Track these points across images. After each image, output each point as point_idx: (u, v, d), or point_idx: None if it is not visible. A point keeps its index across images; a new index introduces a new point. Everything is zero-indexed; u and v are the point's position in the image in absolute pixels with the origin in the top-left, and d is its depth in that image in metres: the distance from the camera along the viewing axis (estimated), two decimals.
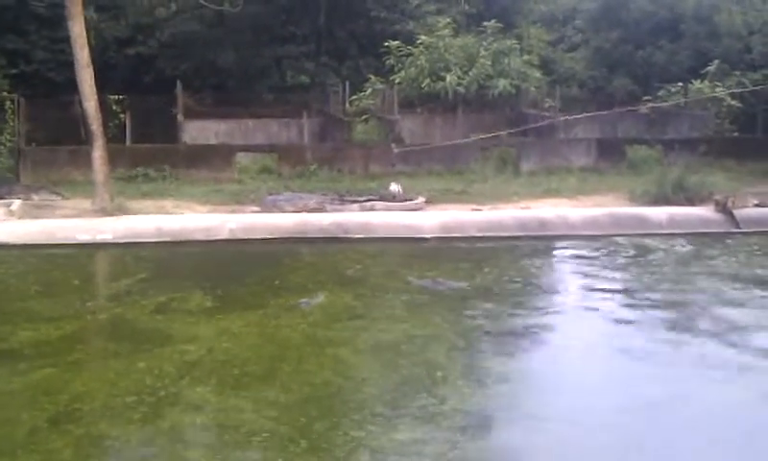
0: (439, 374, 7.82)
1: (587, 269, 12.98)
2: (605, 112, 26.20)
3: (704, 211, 16.74)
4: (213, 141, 25.81)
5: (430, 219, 16.18)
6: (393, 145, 22.66)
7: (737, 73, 26.94)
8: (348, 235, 15.18)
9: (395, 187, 18.34)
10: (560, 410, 7.16)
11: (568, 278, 12.68)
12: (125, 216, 16.17)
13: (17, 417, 6.78)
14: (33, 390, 7.41)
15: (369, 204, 17.45)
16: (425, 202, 17.84)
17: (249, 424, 6.60)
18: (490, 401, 7.25)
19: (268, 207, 17.23)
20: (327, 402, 7.15)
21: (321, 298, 10.85)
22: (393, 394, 7.34)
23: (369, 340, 9.04)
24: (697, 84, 26.81)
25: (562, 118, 25.06)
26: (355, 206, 17.28)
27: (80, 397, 7.25)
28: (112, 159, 18.30)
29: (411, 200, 17.79)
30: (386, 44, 27.67)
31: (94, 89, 17.34)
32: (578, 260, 13.79)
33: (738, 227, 15.93)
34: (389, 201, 17.74)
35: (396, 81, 26.23)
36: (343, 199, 17.80)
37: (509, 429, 6.75)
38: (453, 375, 7.84)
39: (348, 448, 6.19)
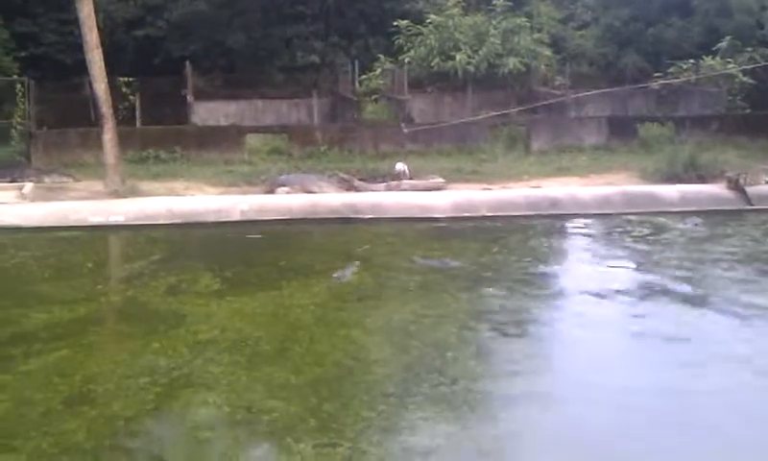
0: (449, 354, 7.83)
1: (598, 247, 12.98)
2: (616, 89, 26.14)
3: (716, 189, 16.68)
4: (223, 122, 25.85)
5: (441, 199, 16.17)
6: (402, 124, 22.62)
7: (749, 49, 26.75)
8: (360, 216, 15.19)
9: (400, 167, 18.32)
10: (572, 390, 7.16)
11: (580, 256, 12.64)
12: (136, 198, 16.22)
13: (32, 398, 6.84)
14: (47, 372, 7.46)
15: (394, 183, 17.52)
16: (444, 182, 17.87)
17: (260, 403, 6.64)
18: (501, 381, 7.26)
19: (304, 186, 17.30)
20: (338, 383, 7.18)
21: (352, 269, 10.96)
22: (403, 374, 7.36)
23: (378, 320, 9.07)
24: (708, 60, 26.65)
25: (572, 96, 24.98)
26: (382, 185, 17.33)
27: (93, 378, 7.31)
28: (123, 141, 18.34)
29: (430, 179, 17.85)
30: (395, 24, 27.58)
31: (104, 71, 17.36)
32: (589, 239, 13.78)
33: (751, 204, 15.88)
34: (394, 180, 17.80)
35: (406, 60, 26.17)
36: (364, 179, 17.87)
37: (520, 409, 6.75)
38: (464, 355, 7.85)
39: (358, 428, 6.21)
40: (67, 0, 22.04)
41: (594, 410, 6.72)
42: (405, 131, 22.01)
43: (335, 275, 10.79)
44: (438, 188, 17.33)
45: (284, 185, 17.23)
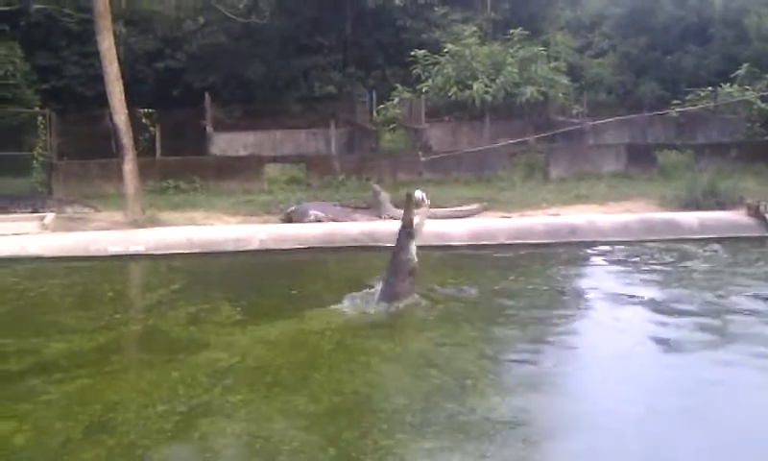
0: (468, 382, 7.81)
1: (619, 275, 12.90)
2: (634, 116, 26.12)
3: (735, 216, 16.58)
4: (242, 153, 26.01)
5: (459, 227, 16.16)
6: (420, 153, 22.69)
7: (767, 76, 26.67)
8: (378, 244, 15.19)
9: (419, 194, 18.31)
10: (590, 419, 7.11)
11: (600, 284, 12.54)
12: (156, 228, 16.32)
13: (52, 427, 6.87)
14: (67, 401, 7.50)
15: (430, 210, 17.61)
16: (484, 208, 17.94)
17: (279, 433, 6.64)
18: (519, 411, 7.21)
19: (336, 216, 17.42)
20: (357, 411, 7.17)
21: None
22: (421, 403, 7.33)
23: (397, 348, 9.06)
24: (726, 87, 26.61)
25: (590, 123, 25.00)
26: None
27: (113, 406, 7.33)
28: (143, 172, 18.49)
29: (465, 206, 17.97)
30: (412, 53, 27.69)
31: (124, 103, 17.54)
32: (610, 266, 13.71)
33: None
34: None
35: (423, 90, 26.26)
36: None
37: (540, 439, 6.71)
38: (482, 384, 7.82)
39: (376, 457, 6.19)
40: (89, 33, 22.34)
41: (614, 440, 6.66)
42: (423, 159, 22.07)
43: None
44: (472, 215, 17.40)
45: (310, 214, 17.29)
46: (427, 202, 11.79)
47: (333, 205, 18.51)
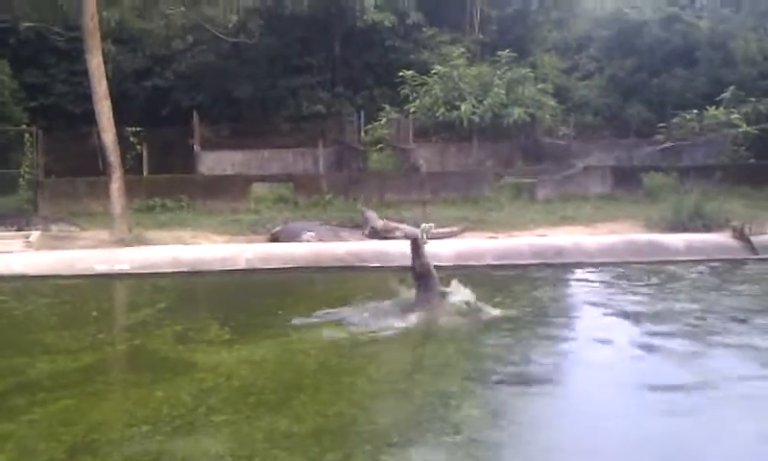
0: (453, 402, 7.80)
1: (604, 296, 12.93)
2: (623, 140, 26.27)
3: (721, 238, 16.68)
4: (229, 172, 26.05)
5: (446, 247, 16.18)
6: (421, 161, 22.85)
7: (753, 99, 26.90)
8: (365, 264, 15.21)
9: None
10: (578, 440, 7.11)
11: (585, 306, 12.59)
12: (143, 247, 16.30)
13: (35, 448, 6.82)
14: (51, 421, 7.45)
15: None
16: (462, 230, 18.04)
17: (262, 453, 6.61)
18: (504, 433, 7.20)
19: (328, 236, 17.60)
20: (341, 432, 7.15)
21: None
22: (406, 423, 7.33)
23: (382, 368, 9.05)
24: (712, 110, 26.81)
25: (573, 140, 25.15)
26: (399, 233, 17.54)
27: (97, 427, 7.28)
28: (130, 190, 18.49)
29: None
30: (401, 74, 27.84)
31: (112, 121, 17.55)
32: (595, 288, 13.75)
33: (756, 253, 15.85)
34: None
35: (411, 110, 26.38)
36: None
37: (524, 459, 6.71)
38: (467, 403, 7.81)
39: None
40: (77, 51, 22.37)
41: None
42: (422, 165, 22.31)
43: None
44: (451, 236, 17.49)
45: (304, 236, 17.35)
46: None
47: (320, 224, 18.55)
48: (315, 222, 18.84)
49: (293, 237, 17.32)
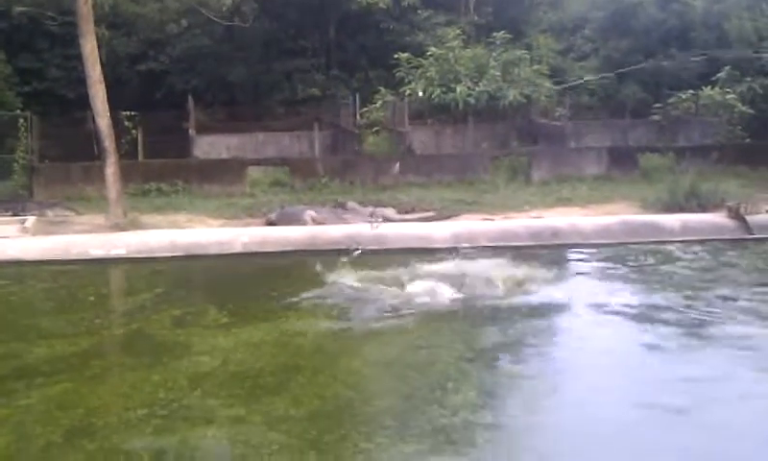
0: (450, 385, 7.82)
1: (600, 277, 12.95)
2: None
3: (717, 218, 16.68)
4: (225, 155, 26.03)
5: (442, 229, 16.20)
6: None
7: (748, 79, 26.87)
8: (361, 247, 15.20)
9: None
10: (574, 419, 7.14)
11: (581, 286, 12.58)
12: (138, 231, 16.26)
13: (32, 432, 6.84)
14: (48, 405, 7.47)
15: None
16: (437, 213, 18.06)
17: (258, 437, 6.63)
18: (500, 415, 7.23)
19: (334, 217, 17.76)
20: (337, 414, 7.18)
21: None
22: (402, 406, 7.35)
23: (377, 350, 9.07)
24: (707, 90, 26.79)
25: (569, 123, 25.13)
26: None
27: (94, 411, 7.31)
28: (125, 175, 18.45)
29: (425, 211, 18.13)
30: (396, 56, 27.75)
31: (106, 106, 17.48)
32: (592, 268, 13.75)
33: (751, 233, 15.86)
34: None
35: (407, 92, 26.30)
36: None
37: (520, 440, 6.73)
38: (464, 386, 7.83)
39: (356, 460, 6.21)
40: (71, 36, 22.26)
41: (598, 439, 6.68)
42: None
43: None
44: (429, 220, 17.54)
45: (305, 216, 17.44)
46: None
47: (317, 208, 18.55)
48: (308, 206, 18.82)
49: (290, 222, 17.29)
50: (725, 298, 11.18)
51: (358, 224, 16.83)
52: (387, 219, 17.38)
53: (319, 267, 12.39)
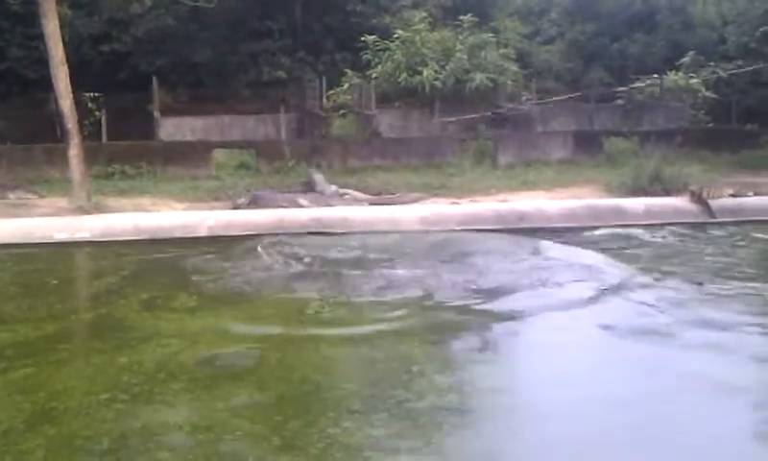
0: (415, 368, 7.83)
1: (570, 260, 13.03)
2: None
3: (680, 202, 16.88)
4: (190, 138, 25.84)
5: (409, 213, 16.22)
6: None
7: (712, 64, 27.16)
8: (328, 230, 15.18)
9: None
10: (541, 403, 7.18)
11: (547, 270, 12.65)
12: (103, 214, 16.12)
13: None
14: (10, 390, 7.38)
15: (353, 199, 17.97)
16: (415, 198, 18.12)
17: (222, 422, 6.58)
18: (467, 398, 7.25)
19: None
20: (303, 400, 7.16)
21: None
22: (369, 390, 7.35)
23: (344, 334, 9.07)
24: (672, 75, 27.04)
25: (534, 105, 25.27)
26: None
27: (56, 395, 7.22)
28: (89, 157, 18.25)
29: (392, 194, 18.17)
30: (362, 39, 27.69)
31: (69, 87, 17.26)
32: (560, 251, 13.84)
33: (714, 217, 16.08)
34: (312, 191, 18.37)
35: (373, 75, 26.27)
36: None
37: (486, 424, 6.76)
38: (429, 369, 7.86)
39: (321, 446, 6.19)
40: (33, 15, 21.93)
41: (570, 423, 6.72)
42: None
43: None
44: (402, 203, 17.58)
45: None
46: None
47: (279, 192, 18.52)
48: (272, 190, 18.78)
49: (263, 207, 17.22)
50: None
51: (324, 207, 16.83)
52: (356, 202, 17.40)
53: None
